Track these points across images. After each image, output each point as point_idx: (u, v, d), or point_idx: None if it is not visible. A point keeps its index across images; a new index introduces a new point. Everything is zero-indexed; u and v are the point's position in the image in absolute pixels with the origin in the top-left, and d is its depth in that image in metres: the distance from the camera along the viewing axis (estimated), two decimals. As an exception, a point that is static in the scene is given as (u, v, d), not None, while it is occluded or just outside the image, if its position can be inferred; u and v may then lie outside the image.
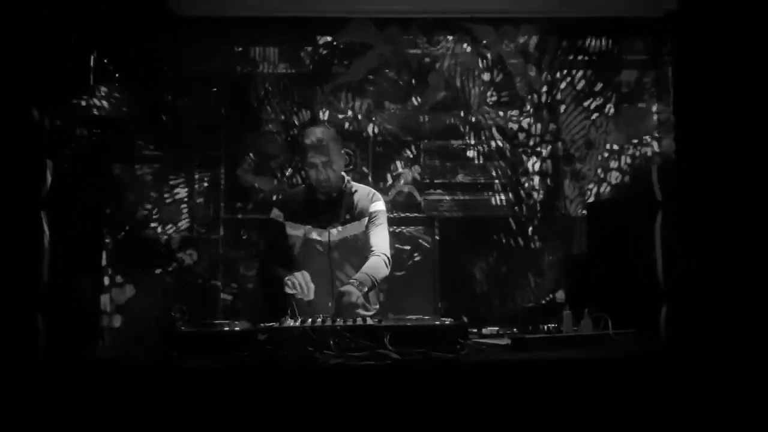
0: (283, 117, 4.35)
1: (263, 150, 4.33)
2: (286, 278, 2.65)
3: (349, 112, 4.38)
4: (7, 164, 2.16)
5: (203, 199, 4.24)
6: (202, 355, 2.03)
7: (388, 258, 2.88)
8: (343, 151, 3.01)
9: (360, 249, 2.91)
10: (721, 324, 2.22)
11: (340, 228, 2.90)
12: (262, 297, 3.48)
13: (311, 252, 2.92)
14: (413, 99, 4.41)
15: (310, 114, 4.36)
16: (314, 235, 2.91)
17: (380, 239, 2.91)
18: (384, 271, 2.84)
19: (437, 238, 4.32)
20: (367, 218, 2.93)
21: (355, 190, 2.99)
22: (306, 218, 2.92)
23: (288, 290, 2.62)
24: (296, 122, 4.35)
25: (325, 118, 4.36)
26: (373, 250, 2.88)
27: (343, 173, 2.99)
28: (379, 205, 2.97)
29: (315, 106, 4.37)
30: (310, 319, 2.23)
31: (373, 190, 3.05)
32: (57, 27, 3.34)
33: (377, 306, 3.00)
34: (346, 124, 4.36)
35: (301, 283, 2.61)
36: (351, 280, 2.66)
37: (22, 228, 2.11)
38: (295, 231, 2.93)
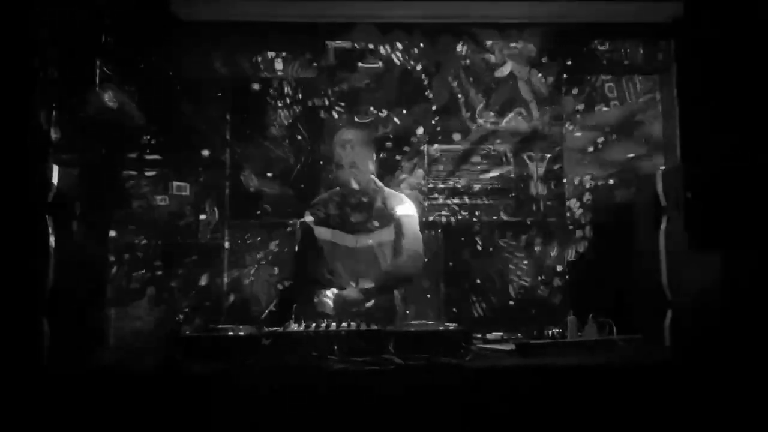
0: (287, 122, 4.36)
1: (268, 155, 4.34)
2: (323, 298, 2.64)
3: (354, 117, 4.38)
4: (14, 169, 2.17)
5: (209, 204, 4.24)
6: (207, 359, 2.03)
7: (418, 255, 2.84)
8: (374, 155, 2.95)
9: (387, 255, 2.88)
10: (726, 330, 2.21)
11: (368, 233, 2.87)
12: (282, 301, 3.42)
13: (339, 257, 2.90)
14: (417, 103, 4.41)
15: (313, 118, 4.36)
16: (342, 240, 2.88)
17: (407, 240, 2.83)
18: (407, 269, 2.81)
19: (441, 242, 4.31)
20: (392, 226, 2.87)
21: (386, 196, 2.94)
22: (335, 223, 2.89)
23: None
24: (300, 126, 4.35)
25: (330, 122, 4.36)
26: (400, 252, 2.82)
27: (373, 177, 2.94)
28: (403, 209, 2.89)
29: (319, 110, 4.37)
30: (314, 324, 2.23)
31: (398, 195, 3.00)
32: (61, 32, 3.35)
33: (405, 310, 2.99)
34: (352, 128, 4.36)
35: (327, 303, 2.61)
36: (357, 285, 2.66)
37: (28, 232, 2.12)
38: (324, 235, 2.91)
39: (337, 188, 2.96)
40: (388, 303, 2.87)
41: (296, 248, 3.12)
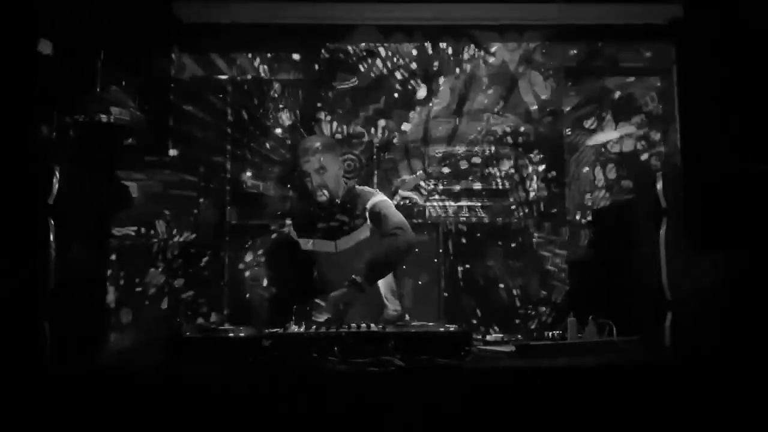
0: (288, 124, 4.37)
1: (269, 157, 4.34)
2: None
3: (354, 119, 4.39)
4: (14, 171, 2.17)
5: (209, 206, 4.25)
6: (207, 361, 2.04)
7: (401, 229, 2.72)
8: (343, 159, 2.94)
9: (372, 251, 2.83)
10: (726, 330, 2.21)
11: (347, 237, 2.86)
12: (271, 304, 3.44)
13: (324, 264, 2.90)
14: (417, 105, 4.41)
15: (315, 121, 4.36)
16: (323, 247, 2.88)
17: (390, 221, 2.75)
18: (397, 249, 2.70)
19: (441, 244, 4.32)
20: (367, 222, 2.84)
21: (357, 194, 2.91)
22: (313, 231, 2.89)
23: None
24: (302, 129, 4.36)
25: (331, 124, 4.37)
26: (387, 233, 2.74)
27: (344, 180, 2.93)
28: (374, 199, 2.85)
29: (320, 112, 4.38)
30: (314, 326, 2.23)
31: (368, 191, 2.94)
32: (62, 33, 3.35)
33: (398, 308, 2.95)
34: (351, 131, 4.37)
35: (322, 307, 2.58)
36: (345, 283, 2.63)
37: (28, 234, 2.12)
38: (306, 245, 2.91)
39: (309, 197, 2.89)
40: (376, 298, 2.87)
41: (282, 260, 3.11)
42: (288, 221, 3.01)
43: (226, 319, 4.08)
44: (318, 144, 2.83)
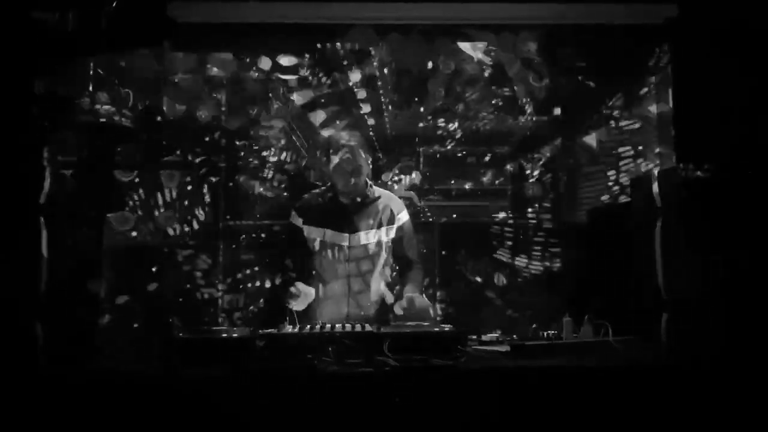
0: (283, 123, 4.36)
1: (263, 156, 4.34)
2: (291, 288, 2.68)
3: (349, 118, 4.38)
4: (6, 170, 2.16)
5: (203, 205, 4.24)
6: (201, 361, 2.03)
7: (419, 263, 3.00)
8: (369, 158, 2.99)
9: (379, 256, 2.91)
10: (721, 332, 2.21)
11: (361, 234, 2.88)
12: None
13: (330, 256, 2.90)
14: (413, 105, 4.41)
15: (311, 121, 4.36)
16: (334, 239, 2.89)
17: (415, 251, 2.99)
18: (420, 283, 2.94)
19: (437, 243, 4.31)
20: (393, 228, 2.91)
21: (379, 196, 2.95)
22: (327, 222, 2.90)
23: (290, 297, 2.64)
24: (296, 128, 4.35)
25: (327, 124, 4.36)
26: (411, 262, 2.95)
27: (366, 178, 2.95)
28: (404, 216, 2.97)
29: (316, 112, 4.37)
30: (308, 326, 2.22)
31: (397, 198, 3.02)
32: (58, 33, 3.34)
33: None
34: (347, 130, 4.36)
35: (295, 294, 2.64)
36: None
37: (20, 234, 2.11)
38: (315, 235, 2.91)
39: (327, 187, 2.96)
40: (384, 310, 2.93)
41: (285, 249, 3.10)
42: (294, 213, 3.00)
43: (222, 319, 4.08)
44: (354, 143, 2.88)
